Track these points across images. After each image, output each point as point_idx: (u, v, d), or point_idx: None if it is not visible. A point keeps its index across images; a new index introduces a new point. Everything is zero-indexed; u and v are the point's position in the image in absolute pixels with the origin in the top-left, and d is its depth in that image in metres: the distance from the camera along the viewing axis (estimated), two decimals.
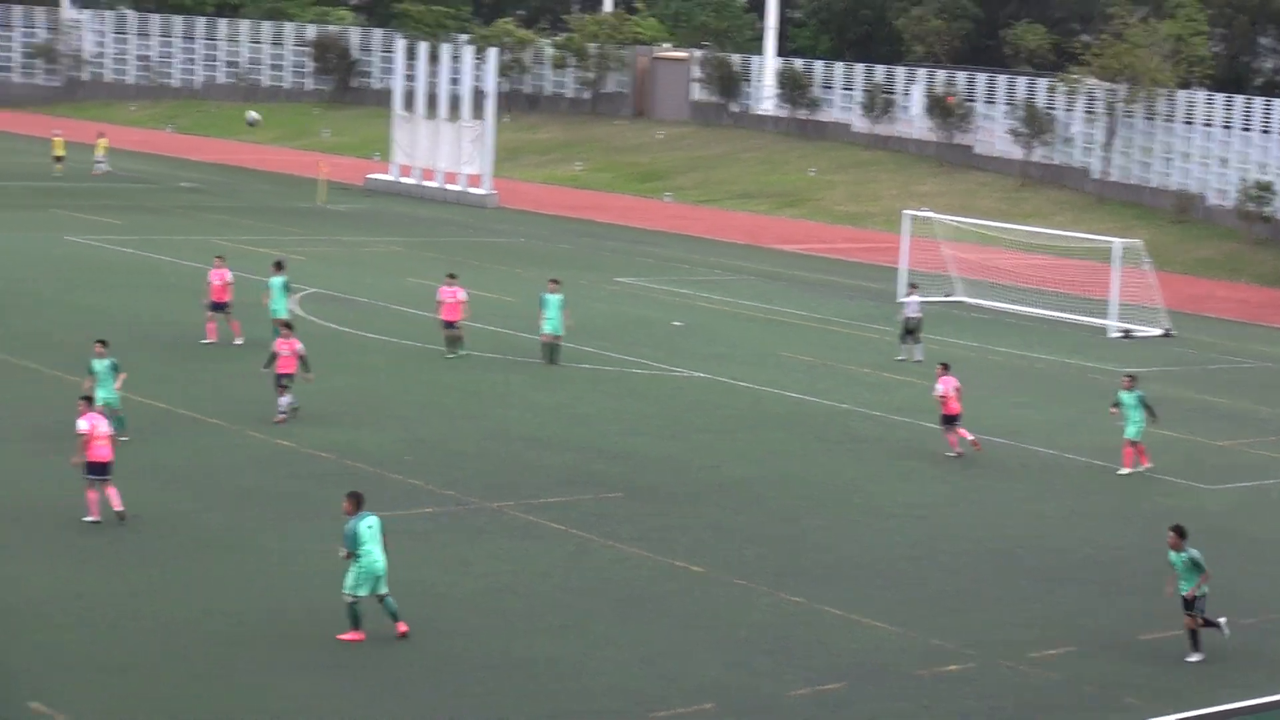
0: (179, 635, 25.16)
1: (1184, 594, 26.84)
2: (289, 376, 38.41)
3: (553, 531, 31.67)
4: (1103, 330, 61.14)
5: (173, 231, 69.98)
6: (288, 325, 39.64)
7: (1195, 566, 26.78)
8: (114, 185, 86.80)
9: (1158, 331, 61.46)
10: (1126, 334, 60.73)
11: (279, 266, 47.25)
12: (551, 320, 46.74)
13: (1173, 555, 26.91)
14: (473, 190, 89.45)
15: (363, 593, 25.28)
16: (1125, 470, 39.37)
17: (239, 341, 46.51)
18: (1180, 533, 26.90)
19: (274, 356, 38.55)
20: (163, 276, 57.78)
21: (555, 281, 47.86)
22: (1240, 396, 50.46)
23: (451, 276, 48.04)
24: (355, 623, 25.29)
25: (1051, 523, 34.92)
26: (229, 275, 47.16)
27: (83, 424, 30.11)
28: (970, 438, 40.08)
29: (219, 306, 46.80)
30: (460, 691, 23.68)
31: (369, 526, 25.36)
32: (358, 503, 25.49)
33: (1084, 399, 47.59)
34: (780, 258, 77.30)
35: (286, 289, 46.62)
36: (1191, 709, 23.74)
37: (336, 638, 25.25)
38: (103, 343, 35.48)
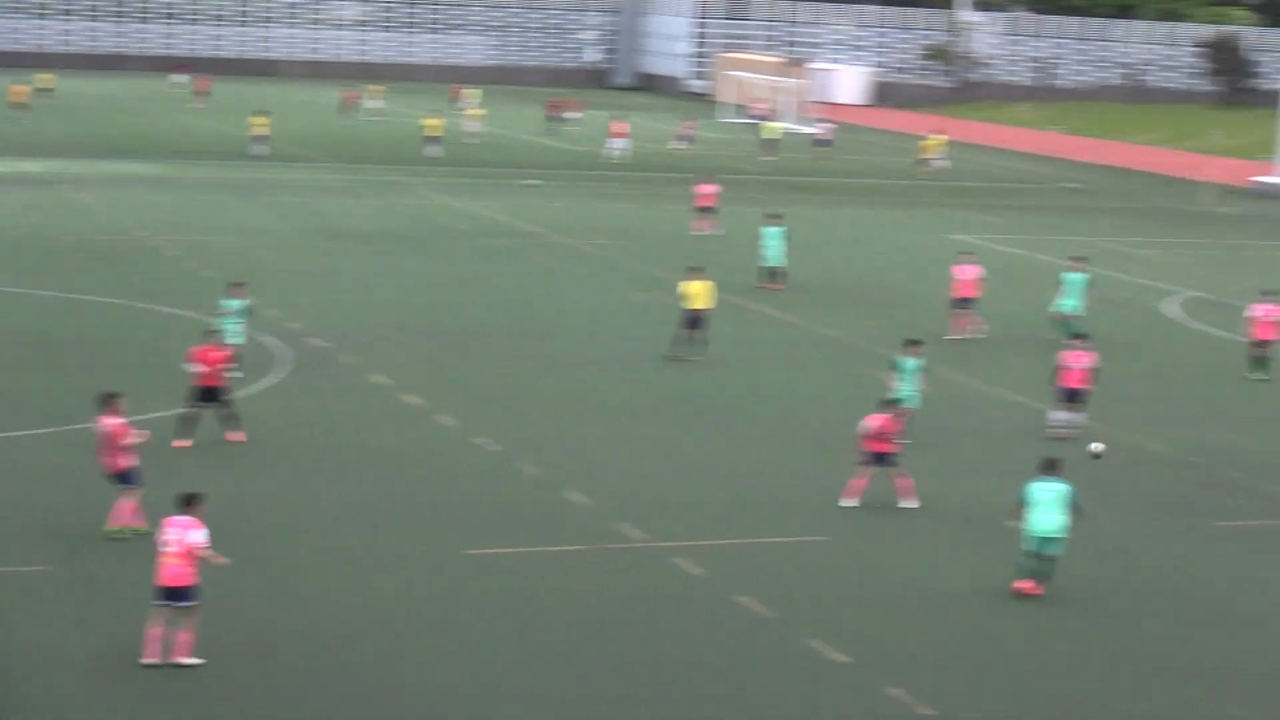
0: None
1: None
2: (1077, 392, 35.48)
3: None
4: None
5: (1050, 231, 70.37)
6: (1080, 336, 37.44)
7: None
8: (1002, 185, 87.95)
9: None
10: None
11: (1079, 260, 47.56)
12: None
13: None
14: None
15: None
16: None
17: (964, 336, 46.29)
18: None
19: (1057, 370, 35.99)
20: (1044, 273, 58.06)
21: None
22: None
23: (1268, 293, 44.52)
24: None
25: None
26: (976, 271, 47.25)
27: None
28: None
29: (963, 302, 47.10)
30: None
31: None
32: None
33: None
34: None
35: (1087, 287, 46.67)
36: None
37: None
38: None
